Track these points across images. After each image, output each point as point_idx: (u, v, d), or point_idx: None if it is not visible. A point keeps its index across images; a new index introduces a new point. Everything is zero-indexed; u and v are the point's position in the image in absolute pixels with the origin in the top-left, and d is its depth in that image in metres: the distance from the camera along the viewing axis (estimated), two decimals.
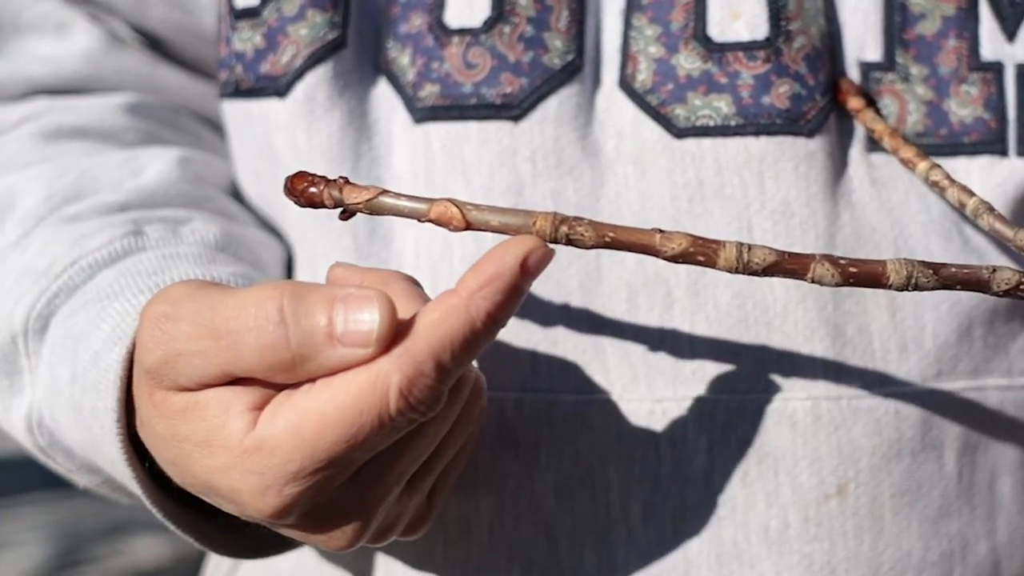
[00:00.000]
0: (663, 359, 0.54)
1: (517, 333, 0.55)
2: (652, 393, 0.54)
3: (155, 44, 0.67)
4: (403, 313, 0.42)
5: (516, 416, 0.55)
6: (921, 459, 0.56)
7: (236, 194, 0.65)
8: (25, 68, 0.65)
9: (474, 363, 0.48)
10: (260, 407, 0.43)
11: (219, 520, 0.53)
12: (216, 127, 0.69)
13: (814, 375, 0.54)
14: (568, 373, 0.55)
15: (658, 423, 0.54)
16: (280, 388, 0.43)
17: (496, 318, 0.42)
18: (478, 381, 0.48)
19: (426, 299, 0.45)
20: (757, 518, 0.55)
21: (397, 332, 0.41)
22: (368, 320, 0.41)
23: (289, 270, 0.63)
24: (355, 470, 0.44)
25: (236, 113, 0.61)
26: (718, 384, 0.54)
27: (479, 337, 0.41)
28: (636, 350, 0.54)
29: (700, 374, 0.54)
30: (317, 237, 0.59)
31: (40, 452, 0.57)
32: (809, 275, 0.45)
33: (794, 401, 0.54)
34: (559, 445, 0.55)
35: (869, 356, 0.55)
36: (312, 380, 0.42)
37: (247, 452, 0.42)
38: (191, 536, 0.53)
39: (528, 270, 0.42)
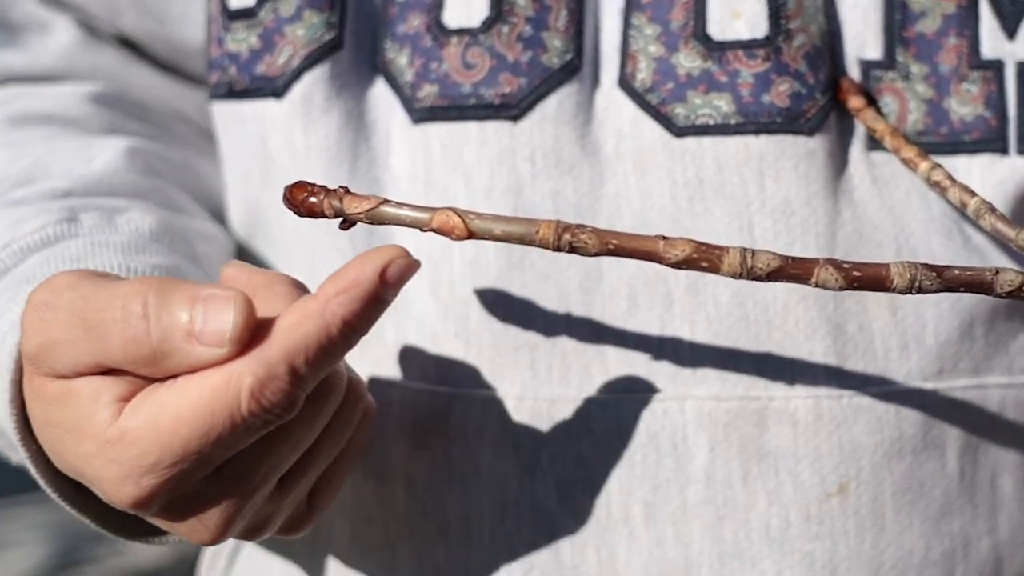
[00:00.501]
0: (663, 359, 0.54)
1: (517, 334, 0.55)
2: (652, 393, 0.54)
3: (133, 46, 0.67)
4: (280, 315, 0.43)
5: (516, 417, 0.55)
6: (923, 457, 0.56)
7: (200, 188, 0.65)
8: (4, 59, 0.66)
9: (345, 367, 0.48)
10: (128, 398, 0.43)
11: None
12: (190, 123, 0.69)
13: (815, 374, 0.54)
14: (568, 373, 0.55)
15: (659, 423, 0.54)
16: (152, 381, 0.44)
17: (353, 325, 0.42)
18: (354, 385, 0.48)
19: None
20: (758, 517, 0.55)
21: (258, 334, 0.42)
22: (225, 320, 0.41)
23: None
24: (217, 467, 0.44)
25: (228, 115, 0.61)
26: (719, 383, 0.54)
27: (334, 343, 0.42)
28: (636, 350, 0.54)
29: (700, 373, 0.54)
30: (314, 240, 0.58)
31: None
32: (813, 280, 0.45)
33: (795, 400, 0.54)
34: (560, 446, 0.55)
35: (870, 355, 0.55)
36: (175, 376, 0.43)
37: (109, 442, 0.42)
38: (87, 517, 0.53)
39: (387, 280, 0.42)
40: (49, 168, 0.59)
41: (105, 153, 0.61)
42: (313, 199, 0.46)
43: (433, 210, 0.45)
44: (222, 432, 0.42)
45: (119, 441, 0.42)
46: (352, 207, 0.46)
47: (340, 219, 0.46)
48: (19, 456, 0.55)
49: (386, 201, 0.45)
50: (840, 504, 0.55)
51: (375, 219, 0.45)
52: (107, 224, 0.56)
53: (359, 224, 0.56)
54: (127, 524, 0.54)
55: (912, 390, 0.55)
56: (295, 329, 0.41)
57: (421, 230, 0.45)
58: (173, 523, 0.46)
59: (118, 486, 0.43)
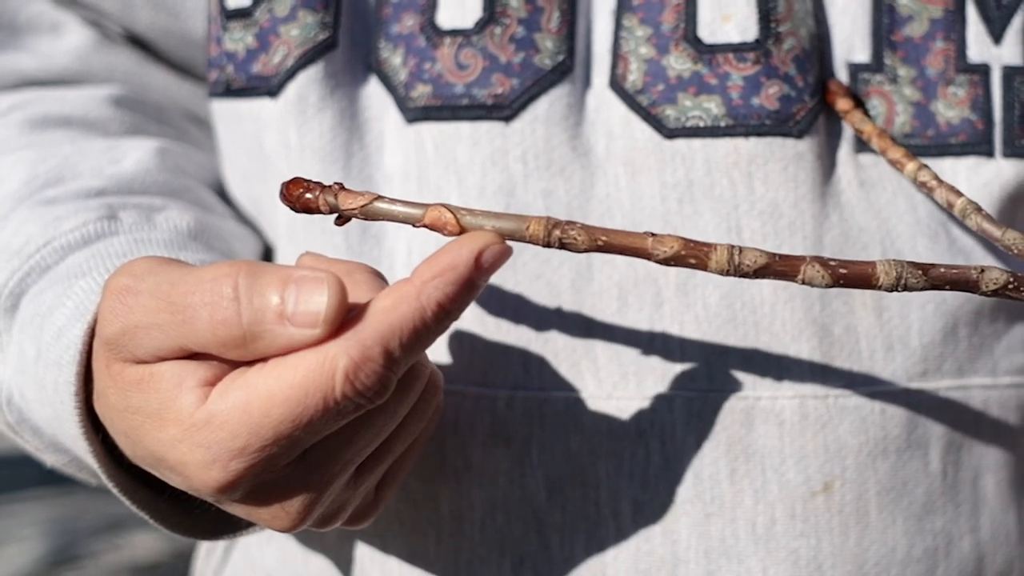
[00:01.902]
0: (652, 358, 0.54)
1: (509, 332, 0.55)
2: (641, 391, 0.54)
3: (144, 45, 0.67)
4: (363, 302, 0.42)
5: (508, 413, 0.55)
6: (906, 457, 0.56)
7: (217, 188, 0.65)
8: (17, 62, 0.65)
9: (430, 359, 0.48)
10: (213, 383, 0.42)
11: (171, 498, 0.53)
12: (202, 123, 0.69)
13: (801, 374, 0.54)
14: (559, 371, 0.55)
15: (647, 420, 0.54)
16: (236, 366, 0.43)
17: (447, 309, 0.41)
18: (434, 378, 0.48)
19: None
20: (745, 514, 0.55)
21: (351, 318, 0.41)
22: (318, 302, 0.41)
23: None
24: (302, 453, 0.43)
25: (226, 112, 0.61)
26: (707, 382, 0.54)
27: (428, 327, 0.41)
28: (626, 349, 0.54)
29: (689, 372, 0.54)
30: (310, 236, 0.58)
31: (9, 430, 0.56)
32: (800, 277, 0.45)
33: (782, 399, 0.54)
34: (550, 442, 0.55)
35: (856, 355, 0.55)
36: (264, 359, 0.42)
37: (196, 426, 0.42)
38: (145, 513, 0.52)
39: (482, 265, 0.42)
40: (77, 168, 0.59)
41: (135, 152, 0.60)
42: (308, 195, 0.46)
43: (425, 206, 0.45)
44: (314, 415, 0.41)
45: (206, 425, 0.42)
46: (347, 203, 0.45)
47: (335, 215, 0.46)
48: (61, 455, 0.54)
49: (380, 197, 0.45)
50: (825, 502, 0.55)
51: (369, 215, 0.45)
52: (146, 222, 0.56)
53: (354, 221, 0.56)
54: (184, 521, 0.54)
55: (897, 391, 0.55)
56: (390, 312, 0.41)
57: (414, 226, 0.45)
58: (255, 508, 0.45)
59: (205, 470, 0.42)
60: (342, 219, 0.46)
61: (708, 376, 0.54)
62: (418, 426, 0.48)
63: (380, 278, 0.47)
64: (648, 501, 0.54)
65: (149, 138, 0.63)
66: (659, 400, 0.54)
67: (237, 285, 0.41)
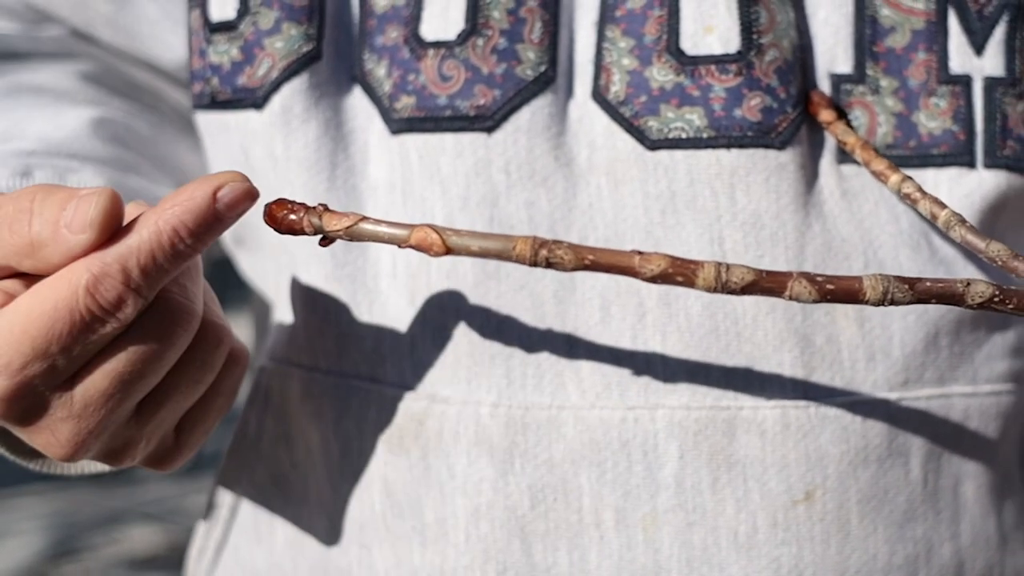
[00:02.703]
0: (635, 368, 0.54)
1: (492, 342, 0.55)
2: (624, 401, 0.54)
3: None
4: None
5: (492, 422, 0.55)
6: (887, 465, 0.56)
7: (173, 162, 0.67)
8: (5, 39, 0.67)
9: (213, 313, 0.50)
10: (3, 304, 0.45)
11: None
12: (175, 108, 0.70)
13: (783, 384, 0.54)
14: (542, 381, 0.55)
15: (630, 430, 0.54)
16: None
17: (181, 235, 0.43)
18: (214, 328, 0.49)
19: None
20: (727, 523, 0.55)
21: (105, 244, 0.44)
22: (89, 210, 0.43)
23: (252, 285, 0.64)
24: (69, 381, 0.46)
25: (212, 124, 0.61)
26: (689, 392, 0.54)
27: (163, 250, 0.43)
28: (609, 359, 0.54)
29: (671, 383, 0.54)
30: (296, 245, 0.58)
31: None
32: (787, 293, 0.45)
33: (763, 409, 0.54)
34: (533, 452, 0.55)
35: (837, 365, 0.55)
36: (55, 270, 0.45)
37: None
38: None
39: (219, 199, 0.44)
40: (26, 132, 0.61)
41: (72, 121, 0.62)
42: (293, 216, 0.46)
43: (411, 227, 0.45)
44: (63, 328, 0.43)
45: None
46: (331, 224, 0.46)
47: (320, 236, 0.46)
48: None
49: (364, 218, 0.45)
50: (806, 511, 0.55)
51: (354, 236, 0.46)
52: (57, 181, 0.58)
53: None
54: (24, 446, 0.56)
55: (878, 400, 0.55)
56: (131, 234, 0.43)
57: (399, 246, 0.45)
58: (27, 432, 0.47)
59: None
60: (327, 240, 0.46)
61: (690, 386, 0.54)
62: (203, 374, 0.50)
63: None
64: (630, 510, 0.54)
65: (95, 107, 0.65)
66: (642, 410, 0.54)
67: (34, 198, 0.44)
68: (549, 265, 0.45)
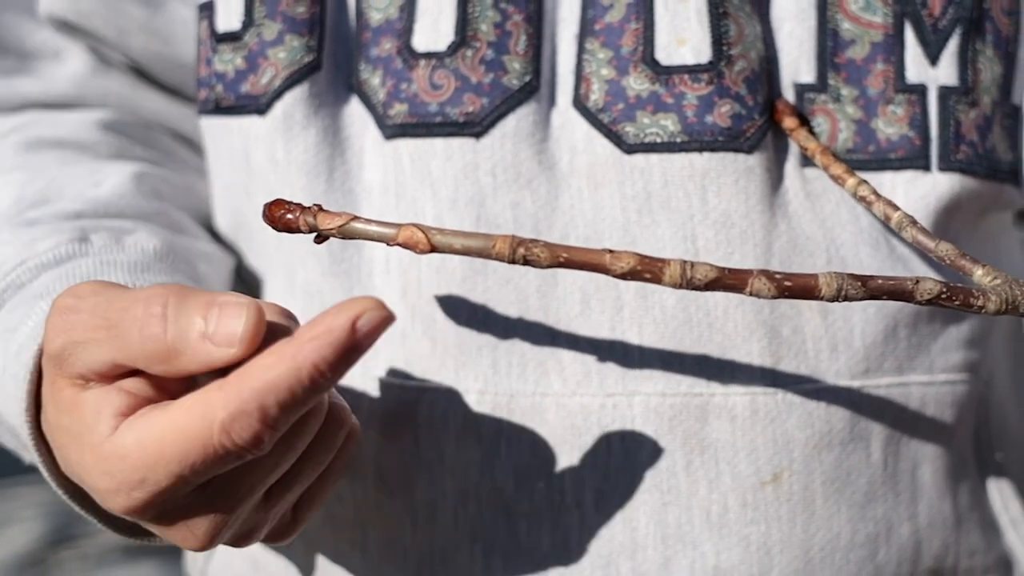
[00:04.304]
0: (614, 357, 0.55)
1: (480, 333, 0.55)
2: (603, 389, 0.55)
3: (138, 69, 0.67)
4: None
5: (478, 409, 0.55)
6: (850, 449, 0.56)
7: (196, 208, 0.65)
8: (22, 86, 0.66)
9: (334, 391, 0.48)
10: (127, 413, 0.43)
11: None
12: (191, 144, 0.69)
13: (752, 373, 0.55)
14: (526, 370, 0.55)
15: (609, 416, 0.55)
16: (161, 388, 0.44)
17: (323, 371, 0.40)
18: (337, 411, 0.48)
19: (290, 333, 0.44)
20: (700, 503, 0.55)
21: (238, 371, 0.41)
22: (236, 324, 0.41)
23: (249, 282, 0.64)
24: (205, 482, 0.44)
25: (215, 128, 0.61)
26: (664, 380, 0.55)
27: (304, 386, 0.40)
28: (589, 349, 0.55)
29: (648, 371, 0.55)
30: (293, 245, 0.59)
31: None
32: (748, 289, 0.45)
33: (734, 396, 0.55)
34: (518, 436, 0.55)
35: (803, 355, 0.55)
36: (188, 376, 0.43)
37: (104, 456, 0.42)
38: (93, 516, 0.53)
39: (358, 330, 0.40)
40: (62, 190, 0.59)
41: (113, 177, 0.61)
42: (289, 216, 0.46)
43: (398, 226, 0.45)
44: (195, 460, 0.41)
45: (112, 456, 0.42)
46: (325, 223, 0.46)
47: (314, 234, 0.47)
48: (31, 456, 0.55)
49: (356, 218, 0.46)
50: (774, 492, 0.55)
51: (346, 234, 0.46)
52: (115, 244, 0.56)
53: None
54: (126, 521, 0.54)
55: (840, 388, 0.56)
56: (268, 370, 0.40)
57: (388, 244, 0.45)
58: (165, 529, 0.46)
59: (112, 496, 0.43)
60: (321, 238, 0.47)
61: (665, 374, 0.54)
62: (326, 455, 0.48)
63: (293, 320, 0.46)
64: (609, 491, 0.55)
65: (130, 162, 0.63)
66: (620, 397, 0.55)
67: (166, 304, 0.42)
68: (527, 262, 0.45)
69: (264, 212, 0.46)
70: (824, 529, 0.56)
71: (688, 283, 0.45)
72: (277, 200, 0.46)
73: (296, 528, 0.51)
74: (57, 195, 0.59)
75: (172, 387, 0.44)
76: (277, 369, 0.40)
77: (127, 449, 0.42)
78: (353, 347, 0.40)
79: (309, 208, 0.46)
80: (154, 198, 0.62)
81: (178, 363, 0.42)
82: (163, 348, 0.42)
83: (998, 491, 0.63)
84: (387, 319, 0.40)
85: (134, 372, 0.44)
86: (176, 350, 0.42)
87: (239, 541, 0.48)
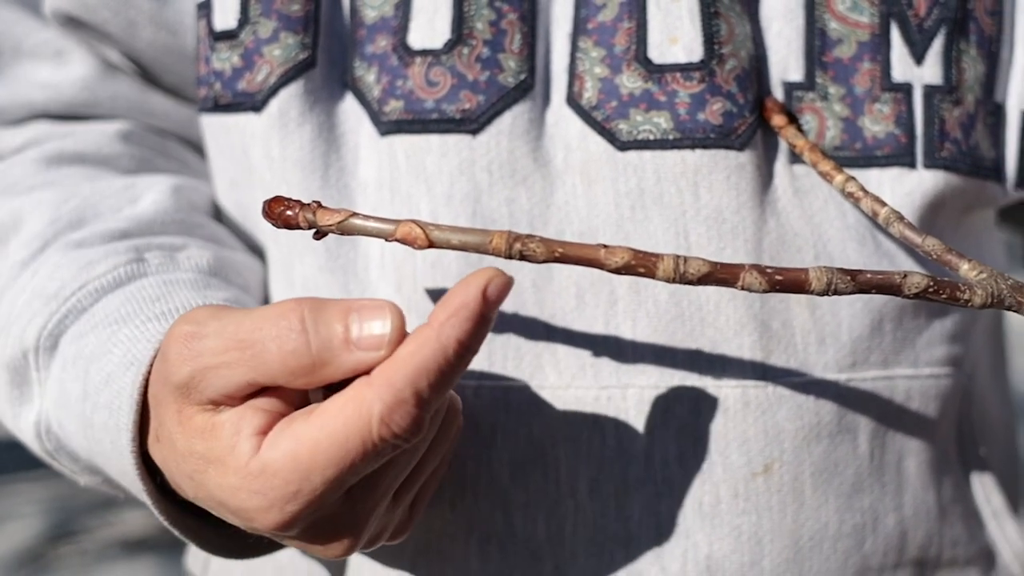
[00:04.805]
0: (608, 351, 0.55)
1: None
2: (598, 381, 0.55)
3: (144, 69, 0.67)
4: None
5: (475, 402, 0.55)
6: (837, 441, 0.57)
7: (219, 213, 0.65)
8: (26, 93, 0.65)
9: None
10: (266, 431, 0.43)
11: (211, 522, 0.54)
12: (197, 148, 0.69)
13: (743, 366, 0.55)
14: (522, 364, 0.55)
15: (603, 408, 0.55)
16: (291, 407, 0.44)
17: (466, 345, 0.42)
18: (453, 403, 0.49)
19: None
20: (692, 494, 0.55)
21: (381, 365, 0.42)
22: (380, 326, 0.42)
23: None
24: (347, 489, 0.44)
25: (215, 125, 0.61)
26: (657, 373, 0.55)
27: (452, 364, 0.42)
28: (583, 343, 0.55)
29: (641, 364, 0.55)
30: (292, 238, 0.59)
31: (46, 455, 0.57)
32: (739, 283, 0.45)
33: (725, 389, 0.55)
34: (514, 428, 0.55)
35: (792, 349, 0.55)
36: (329, 386, 0.43)
37: (252, 475, 0.43)
38: (190, 538, 0.53)
39: (489, 298, 0.42)
40: (98, 208, 0.59)
41: (151, 192, 0.61)
42: (289, 212, 0.46)
43: (396, 222, 0.45)
44: (356, 459, 0.42)
45: (261, 474, 0.42)
46: (323, 220, 0.46)
47: (313, 230, 0.47)
48: (94, 477, 0.55)
49: (354, 214, 0.46)
50: (765, 482, 0.56)
51: (344, 231, 0.46)
52: (171, 262, 0.56)
53: None
54: (227, 543, 0.54)
55: (828, 381, 0.56)
56: (415, 355, 0.41)
57: (386, 240, 0.46)
58: (308, 541, 0.46)
59: (263, 514, 0.43)
60: (320, 234, 0.47)
61: (658, 367, 0.55)
62: (445, 447, 0.49)
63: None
64: (604, 481, 0.55)
65: (161, 175, 0.63)
66: (614, 390, 0.55)
67: (303, 318, 0.42)
68: (523, 258, 0.45)
69: (264, 209, 0.47)
70: (813, 519, 0.57)
71: (681, 277, 0.45)
72: (276, 197, 0.46)
73: (411, 524, 0.52)
74: (94, 214, 0.59)
75: (296, 401, 0.45)
76: (423, 352, 0.41)
77: (278, 464, 0.42)
78: (488, 317, 0.42)
79: (308, 205, 0.46)
80: (192, 210, 0.62)
81: (323, 373, 0.43)
82: (307, 361, 0.42)
83: (980, 484, 0.64)
84: (509, 283, 0.43)
85: (264, 390, 0.44)
86: (322, 360, 0.42)
87: (371, 543, 0.49)
